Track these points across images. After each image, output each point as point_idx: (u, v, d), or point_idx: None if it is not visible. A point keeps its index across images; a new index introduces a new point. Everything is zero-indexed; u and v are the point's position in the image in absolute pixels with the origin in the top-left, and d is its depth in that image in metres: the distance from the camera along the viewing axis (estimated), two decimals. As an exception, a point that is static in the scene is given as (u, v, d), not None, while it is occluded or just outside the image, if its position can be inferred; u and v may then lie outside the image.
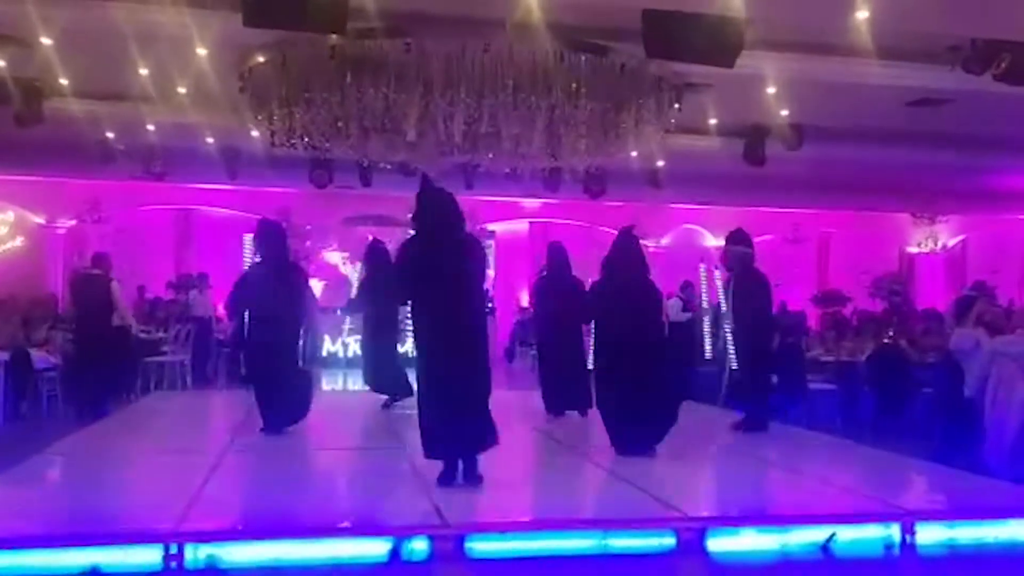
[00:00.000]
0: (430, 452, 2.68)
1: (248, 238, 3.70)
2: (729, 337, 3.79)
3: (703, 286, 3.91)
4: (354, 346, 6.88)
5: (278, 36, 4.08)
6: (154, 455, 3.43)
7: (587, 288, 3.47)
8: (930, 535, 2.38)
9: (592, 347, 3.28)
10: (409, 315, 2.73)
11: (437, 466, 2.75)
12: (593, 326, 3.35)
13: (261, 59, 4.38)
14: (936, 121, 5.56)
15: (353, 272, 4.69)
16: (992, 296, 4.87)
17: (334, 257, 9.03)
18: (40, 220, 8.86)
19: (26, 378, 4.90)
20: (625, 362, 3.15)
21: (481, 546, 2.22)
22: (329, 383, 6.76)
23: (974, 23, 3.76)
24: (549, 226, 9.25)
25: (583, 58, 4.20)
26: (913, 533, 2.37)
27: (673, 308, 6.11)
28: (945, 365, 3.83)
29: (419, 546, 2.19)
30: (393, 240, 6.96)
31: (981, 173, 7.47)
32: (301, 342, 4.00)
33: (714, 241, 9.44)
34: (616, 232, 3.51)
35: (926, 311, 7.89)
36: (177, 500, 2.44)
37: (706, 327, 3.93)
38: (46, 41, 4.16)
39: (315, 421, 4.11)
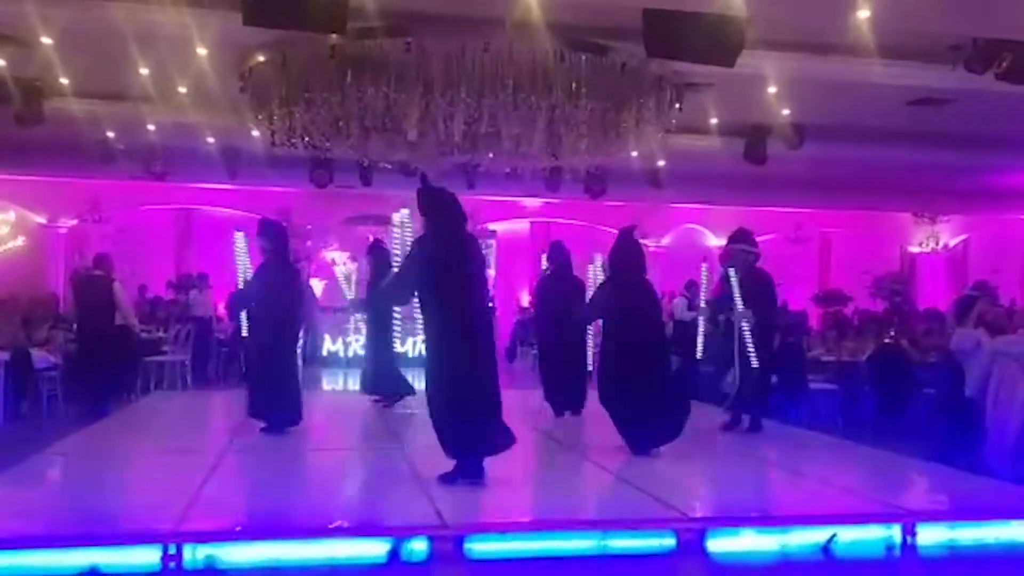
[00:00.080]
0: (459, 451, 2.68)
1: (239, 236, 3.63)
2: (748, 336, 3.76)
3: (703, 285, 3.85)
4: (357, 346, 6.87)
5: (278, 36, 4.07)
6: (154, 455, 3.43)
7: (590, 289, 3.46)
8: (931, 536, 2.38)
9: (600, 348, 3.23)
10: (423, 315, 2.71)
11: (436, 467, 2.75)
12: (601, 326, 3.30)
13: (261, 59, 4.38)
14: (937, 120, 5.54)
15: (346, 271, 4.66)
16: (993, 296, 4.84)
17: (334, 257, 9.04)
18: (41, 220, 8.88)
19: (26, 378, 4.91)
20: (638, 362, 3.19)
21: (480, 547, 2.22)
22: (329, 383, 6.73)
23: (975, 22, 3.75)
24: (550, 226, 9.26)
25: (583, 57, 4.19)
26: (914, 534, 2.36)
27: (679, 307, 6.11)
28: (946, 365, 3.82)
29: (418, 547, 2.19)
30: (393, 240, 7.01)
31: (983, 172, 7.45)
32: (301, 342, 3.99)
33: (715, 241, 9.43)
34: (617, 232, 3.52)
35: (927, 311, 7.88)
36: (176, 500, 2.44)
37: (700, 326, 3.85)
38: (46, 41, 4.16)
39: (315, 421, 4.11)
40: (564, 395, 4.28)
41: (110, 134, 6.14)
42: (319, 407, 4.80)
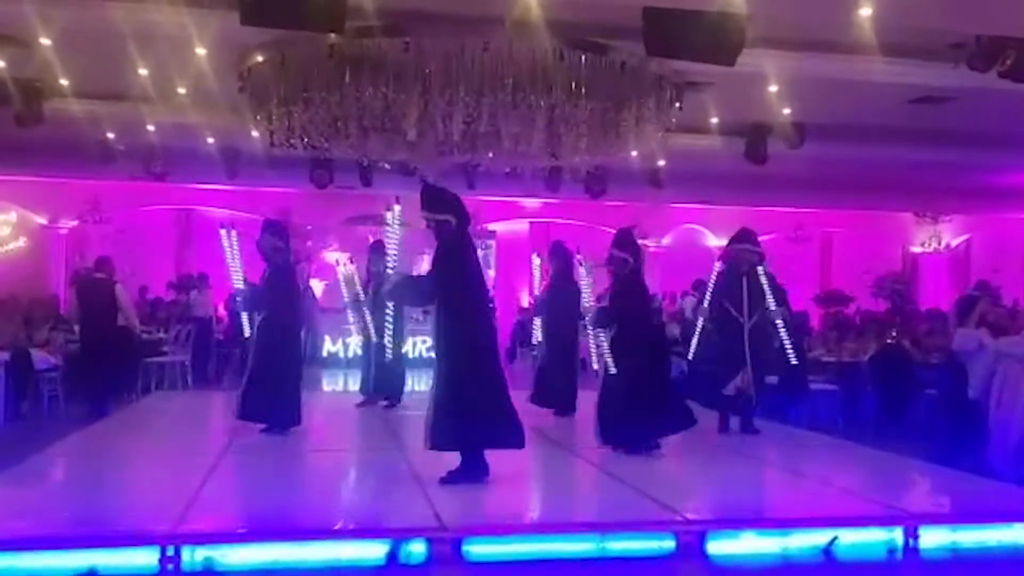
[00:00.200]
0: (472, 443, 2.69)
1: (224, 233, 3.61)
2: (784, 335, 3.75)
3: (711, 285, 3.80)
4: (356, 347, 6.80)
5: (277, 35, 4.06)
6: (153, 456, 3.42)
7: (594, 296, 3.44)
8: (933, 538, 2.36)
9: (611, 350, 3.21)
10: (443, 313, 2.70)
11: (435, 468, 2.74)
12: (613, 330, 3.27)
13: (260, 59, 4.37)
14: (939, 119, 5.52)
15: (346, 272, 4.61)
16: (995, 296, 4.81)
17: (334, 257, 9.04)
18: (42, 220, 8.90)
19: (27, 378, 4.92)
20: (648, 363, 3.24)
21: (479, 549, 2.21)
22: (329, 384, 6.73)
23: (978, 20, 3.73)
24: (550, 226, 9.24)
25: (583, 56, 4.17)
26: (916, 536, 2.35)
27: (688, 306, 6.09)
28: (949, 366, 3.80)
29: (417, 549, 2.18)
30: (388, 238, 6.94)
31: (985, 172, 7.41)
32: (290, 336, 3.98)
33: (715, 241, 9.41)
34: (616, 232, 3.52)
35: (929, 311, 7.86)
36: (175, 501, 2.44)
37: (699, 324, 3.79)
38: (45, 41, 4.16)
39: (314, 422, 4.10)
40: (553, 394, 4.30)
41: (110, 135, 6.15)
42: (319, 408, 4.81)
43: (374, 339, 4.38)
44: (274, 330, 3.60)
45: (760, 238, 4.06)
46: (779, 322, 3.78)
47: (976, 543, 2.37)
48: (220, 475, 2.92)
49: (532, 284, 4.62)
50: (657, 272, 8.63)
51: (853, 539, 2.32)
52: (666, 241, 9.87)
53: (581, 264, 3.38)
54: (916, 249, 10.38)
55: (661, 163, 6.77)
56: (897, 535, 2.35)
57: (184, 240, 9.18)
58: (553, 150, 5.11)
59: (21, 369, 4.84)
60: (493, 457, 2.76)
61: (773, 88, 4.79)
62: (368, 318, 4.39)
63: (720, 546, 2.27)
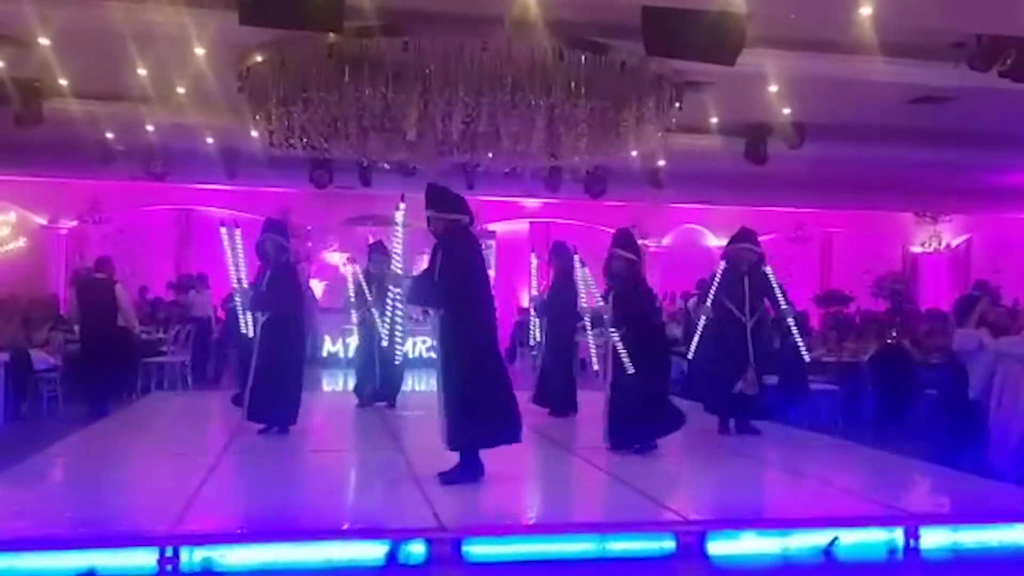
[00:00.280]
0: (475, 442, 2.69)
1: (224, 231, 3.59)
2: (796, 333, 3.77)
3: (715, 283, 3.76)
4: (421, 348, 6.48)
5: (276, 35, 4.06)
6: (153, 456, 3.42)
7: (593, 298, 3.42)
8: (934, 539, 2.36)
9: (625, 351, 3.19)
10: (455, 313, 2.67)
11: (435, 469, 2.73)
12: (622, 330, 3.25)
13: (259, 58, 4.36)
14: (940, 119, 5.51)
15: (353, 272, 4.57)
16: (995, 296, 4.80)
17: (335, 257, 9.04)
18: (42, 221, 8.89)
19: (26, 379, 4.91)
20: (657, 364, 3.27)
21: (478, 549, 2.20)
22: (329, 384, 6.73)
23: (979, 19, 3.72)
24: (549, 226, 9.24)
25: (582, 56, 4.16)
26: (917, 537, 2.34)
27: (692, 306, 6.07)
28: (949, 366, 3.80)
29: (416, 549, 2.17)
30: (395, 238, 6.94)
31: (985, 172, 7.40)
32: (298, 336, 3.96)
33: (715, 241, 9.40)
34: (615, 232, 3.51)
35: (929, 311, 7.85)
36: (174, 502, 2.43)
37: (700, 323, 3.77)
38: (44, 41, 4.15)
39: (314, 422, 4.10)
40: (551, 395, 4.30)
41: (109, 135, 6.14)
42: (319, 408, 4.79)
43: (384, 341, 4.42)
44: (278, 330, 3.58)
45: (760, 238, 4.05)
46: (790, 320, 3.79)
47: (977, 543, 2.36)
48: (219, 475, 2.91)
49: (530, 284, 4.56)
50: (657, 272, 8.63)
51: (853, 539, 2.32)
52: (666, 241, 9.87)
53: (584, 265, 3.36)
54: (916, 249, 10.37)
55: (661, 163, 6.76)
56: (898, 535, 2.34)
57: (184, 240, 9.18)
58: (553, 150, 5.10)
59: (20, 369, 4.83)
60: (493, 456, 2.76)
61: (773, 88, 4.78)
62: (377, 319, 4.39)
63: (720, 546, 2.27)
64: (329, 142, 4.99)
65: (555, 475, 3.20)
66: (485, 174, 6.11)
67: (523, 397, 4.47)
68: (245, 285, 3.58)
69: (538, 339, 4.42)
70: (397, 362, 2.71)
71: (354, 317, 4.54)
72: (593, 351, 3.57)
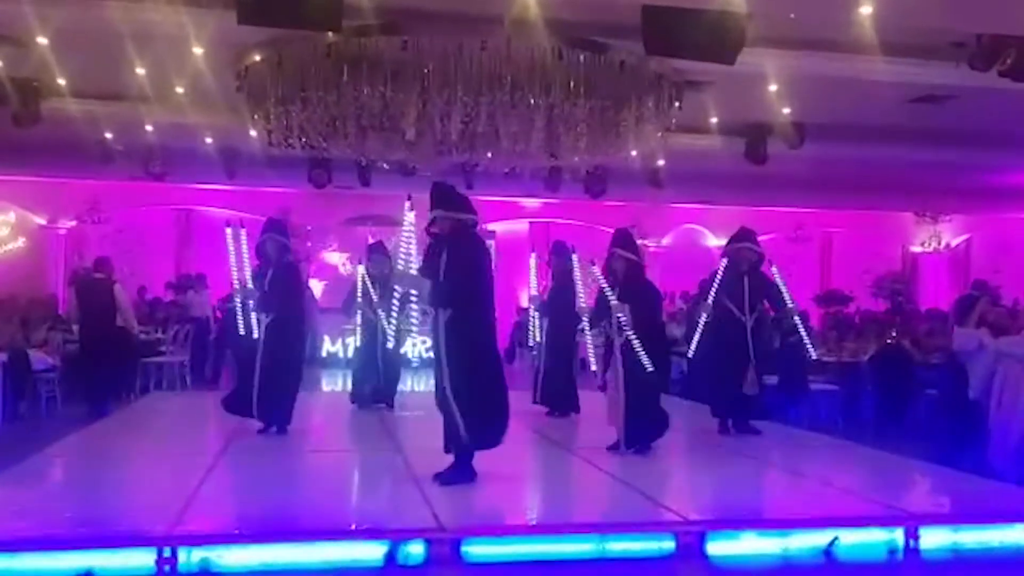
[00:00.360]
0: (476, 444, 2.69)
1: (230, 232, 3.56)
2: (804, 333, 3.81)
3: (716, 282, 3.74)
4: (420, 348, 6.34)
5: (274, 34, 4.05)
6: (151, 456, 3.41)
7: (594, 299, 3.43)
8: (934, 539, 2.35)
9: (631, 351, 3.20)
10: (463, 313, 2.65)
11: (434, 469, 2.73)
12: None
13: (257, 58, 4.35)
14: (940, 118, 5.50)
15: (357, 271, 4.55)
16: (995, 296, 4.80)
17: (334, 257, 9.03)
18: (41, 221, 8.89)
19: (25, 379, 4.91)
20: (655, 362, 3.28)
21: (478, 550, 2.19)
22: (329, 383, 6.72)
23: (979, 18, 3.71)
24: (549, 226, 9.24)
25: (582, 55, 4.15)
26: (917, 537, 2.34)
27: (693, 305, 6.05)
28: (949, 366, 3.80)
29: (415, 550, 2.16)
30: (392, 240, 7.00)
31: (985, 171, 7.40)
32: (302, 337, 3.95)
33: (715, 241, 9.40)
34: (615, 232, 3.50)
35: (929, 311, 7.84)
36: (172, 502, 2.43)
37: (701, 321, 3.74)
38: (42, 41, 4.14)
39: (313, 422, 4.09)
40: (563, 397, 4.30)
41: (108, 135, 6.13)
42: (318, 408, 4.78)
43: (391, 342, 4.35)
44: (282, 331, 3.58)
45: (760, 238, 4.04)
46: (796, 319, 3.79)
47: (977, 544, 2.36)
48: (218, 476, 2.91)
49: (530, 284, 4.54)
50: (657, 272, 8.61)
51: (853, 540, 2.31)
52: (666, 241, 9.87)
53: (594, 264, 3.34)
54: (916, 249, 10.37)
55: (661, 163, 6.75)
56: (898, 536, 2.33)
57: (184, 240, 9.17)
58: (552, 150, 5.09)
59: (19, 370, 4.83)
60: (493, 457, 2.75)
61: (773, 87, 4.77)
62: (384, 320, 4.36)
63: (720, 547, 2.26)
64: (328, 141, 4.98)
65: (555, 475, 3.19)
66: (484, 174, 6.10)
67: (523, 397, 4.53)
68: (250, 285, 3.55)
69: (538, 339, 4.40)
70: (415, 365, 2.63)
71: (358, 318, 4.50)
72: (591, 351, 3.56)
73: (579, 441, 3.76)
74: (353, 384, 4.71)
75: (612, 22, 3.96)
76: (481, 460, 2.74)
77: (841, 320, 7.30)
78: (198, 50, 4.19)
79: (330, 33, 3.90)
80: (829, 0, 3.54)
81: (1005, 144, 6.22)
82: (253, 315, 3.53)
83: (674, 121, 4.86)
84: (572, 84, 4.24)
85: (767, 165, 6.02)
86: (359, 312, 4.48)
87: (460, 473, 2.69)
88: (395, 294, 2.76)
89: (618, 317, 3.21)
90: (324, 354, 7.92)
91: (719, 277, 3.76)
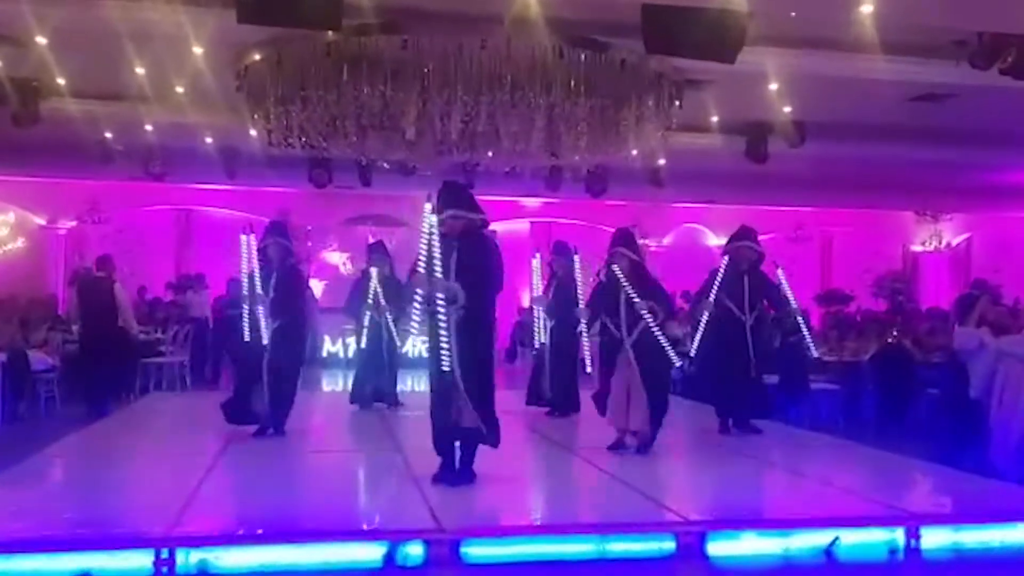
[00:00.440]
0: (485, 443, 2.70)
1: (244, 239, 3.57)
2: (806, 333, 3.80)
3: (718, 280, 3.72)
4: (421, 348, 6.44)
5: (274, 34, 4.04)
6: (151, 457, 3.41)
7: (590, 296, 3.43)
8: (935, 539, 2.34)
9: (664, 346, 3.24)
10: (477, 312, 2.64)
11: (433, 469, 2.72)
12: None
13: (257, 57, 4.34)
14: (940, 117, 5.49)
15: (348, 269, 4.56)
16: (995, 295, 4.79)
17: (334, 257, 9.02)
18: (41, 221, 8.89)
19: (24, 379, 4.90)
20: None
21: (477, 551, 2.19)
22: (329, 383, 6.72)
23: (980, 17, 3.70)
24: (550, 226, 9.23)
25: (582, 54, 4.14)
26: (918, 537, 2.33)
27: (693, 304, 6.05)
28: (950, 365, 3.78)
29: (414, 551, 2.16)
30: (392, 240, 7.00)
31: (986, 170, 7.38)
32: (305, 341, 3.96)
33: (716, 240, 9.39)
34: (616, 231, 3.49)
35: (930, 310, 7.85)
36: (171, 503, 2.42)
37: (703, 320, 3.72)
38: (41, 40, 4.14)
39: (313, 423, 4.09)
40: (565, 397, 4.30)
41: (108, 134, 6.13)
42: (317, 408, 4.77)
43: (398, 344, 4.36)
44: (287, 335, 3.60)
45: (761, 237, 4.03)
46: (799, 319, 3.80)
47: (978, 543, 2.35)
48: (216, 476, 2.90)
49: (535, 285, 4.50)
50: (658, 272, 8.59)
51: (854, 539, 2.31)
52: (667, 241, 9.86)
53: (608, 265, 3.32)
54: (917, 248, 10.36)
55: (661, 162, 6.74)
56: (899, 535, 2.33)
57: (184, 240, 9.17)
58: (552, 149, 5.08)
59: (18, 370, 4.82)
60: (492, 457, 2.74)
61: (774, 86, 4.76)
62: (390, 321, 4.34)
63: (720, 547, 2.25)
64: (328, 141, 4.97)
65: (554, 475, 3.18)
66: (485, 173, 6.09)
67: (522, 396, 4.51)
68: (259, 291, 3.52)
69: (543, 340, 4.36)
70: (446, 368, 2.53)
71: (366, 320, 4.49)
72: (587, 351, 3.54)
73: (579, 441, 3.75)
74: (355, 384, 4.70)
75: (612, 21, 3.95)
76: (481, 460, 2.73)
77: (842, 319, 7.29)
78: (198, 49, 4.19)
79: (330, 32, 3.89)
80: (830, -2, 3.54)
81: (1006, 143, 6.21)
82: (262, 322, 3.52)
83: (674, 120, 4.85)
84: (572, 83, 4.24)
85: (768, 164, 6.01)
86: (367, 314, 4.48)
87: (468, 474, 2.68)
88: (417, 297, 2.64)
89: (643, 315, 3.19)
90: (324, 354, 7.90)
91: (720, 275, 3.74)
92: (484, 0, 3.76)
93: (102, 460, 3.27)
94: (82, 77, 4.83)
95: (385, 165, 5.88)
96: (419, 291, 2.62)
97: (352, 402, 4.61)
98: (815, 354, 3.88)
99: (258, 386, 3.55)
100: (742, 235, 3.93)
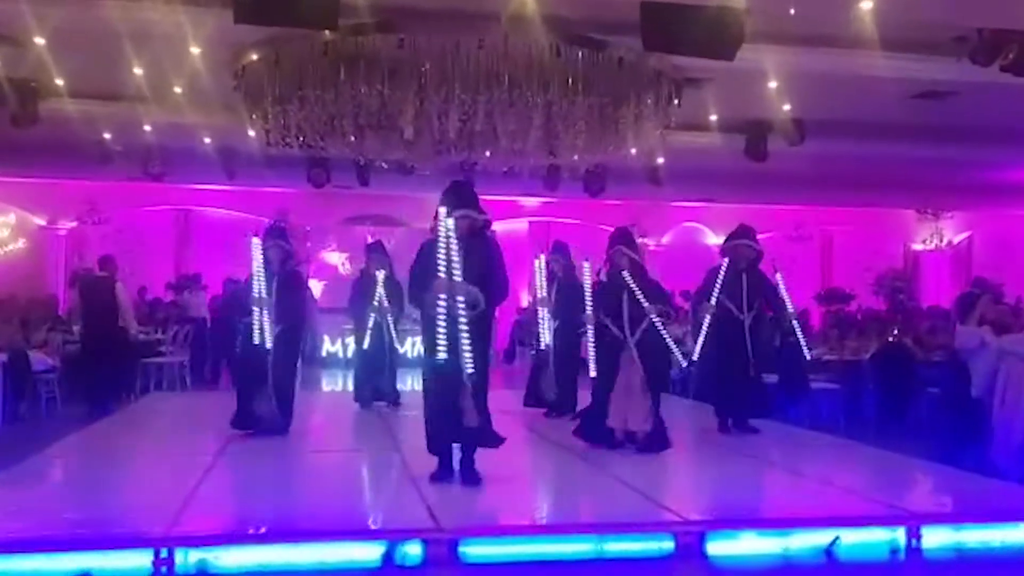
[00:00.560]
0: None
1: (254, 240, 3.56)
2: (800, 334, 3.80)
3: (719, 282, 3.71)
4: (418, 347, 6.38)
5: (271, 33, 4.04)
6: (150, 457, 3.41)
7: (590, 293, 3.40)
8: (936, 538, 2.33)
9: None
10: (482, 313, 2.64)
11: (432, 468, 2.72)
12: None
13: (254, 57, 4.34)
14: (941, 114, 5.47)
15: (347, 269, 4.58)
16: (997, 293, 4.77)
17: (333, 257, 9.02)
18: (41, 222, 8.90)
19: (24, 379, 4.91)
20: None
21: (475, 550, 2.18)
22: (328, 383, 6.72)
23: (981, 13, 3.69)
24: (549, 225, 9.21)
25: (580, 52, 4.13)
26: (919, 536, 2.32)
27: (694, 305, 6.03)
28: (951, 364, 3.77)
29: (412, 550, 2.15)
30: (391, 240, 7.01)
31: (987, 168, 7.35)
32: (303, 344, 3.97)
33: (715, 240, 9.38)
34: (615, 231, 3.48)
35: (931, 308, 7.83)
36: (170, 503, 2.42)
37: (705, 323, 3.71)
38: (39, 40, 4.14)
39: (312, 422, 4.08)
40: (565, 397, 4.29)
41: (107, 135, 6.13)
42: (317, 408, 4.76)
43: (398, 344, 4.36)
44: (288, 340, 3.61)
45: (761, 236, 4.02)
46: (795, 322, 3.81)
47: (979, 543, 2.34)
48: (216, 476, 2.90)
49: (537, 284, 4.45)
50: (657, 271, 8.58)
51: (855, 539, 2.29)
52: (666, 240, 9.84)
53: (622, 265, 3.29)
54: (918, 246, 10.32)
55: (660, 161, 6.72)
56: (899, 535, 2.32)
57: (183, 240, 9.17)
58: (551, 148, 5.08)
59: (19, 370, 4.82)
60: (490, 457, 2.74)
61: (773, 84, 4.74)
62: (391, 322, 4.35)
63: (720, 547, 2.24)
64: (325, 141, 4.97)
65: (552, 475, 3.18)
66: (483, 173, 6.09)
67: (521, 396, 4.49)
68: (264, 295, 3.52)
69: (548, 341, 4.33)
70: (470, 370, 2.49)
71: (370, 321, 4.49)
72: (593, 352, 3.53)
73: (579, 440, 3.71)
74: (357, 384, 4.71)
75: (610, 18, 3.93)
76: (479, 460, 2.72)
77: (842, 318, 7.28)
78: (195, 49, 4.19)
79: (327, 32, 3.88)
80: (829, -5, 3.53)
81: (1007, 140, 6.17)
82: (267, 325, 3.50)
83: (673, 118, 4.83)
84: (570, 81, 4.22)
85: (767, 162, 5.99)
86: (372, 316, 4.49)
87: (473, 472, 2.67)
88: (440, 302, 2.59)
89: (651, 318, 3.19)
90: (324, 354, 7.90)
91: (721, 276, 3.72)
92: (481, -2, 3.77)
93: (102, 460, 3.27)
94: (80, 77, 4.83)
95: (383, 165, 5.88)
96: (441, 296, 2.58)
97: (356, 400, 4.63)
98: (808, 357, 3.87)
99: (262, 390, 3.56)
100: (740, 233, 3.92)
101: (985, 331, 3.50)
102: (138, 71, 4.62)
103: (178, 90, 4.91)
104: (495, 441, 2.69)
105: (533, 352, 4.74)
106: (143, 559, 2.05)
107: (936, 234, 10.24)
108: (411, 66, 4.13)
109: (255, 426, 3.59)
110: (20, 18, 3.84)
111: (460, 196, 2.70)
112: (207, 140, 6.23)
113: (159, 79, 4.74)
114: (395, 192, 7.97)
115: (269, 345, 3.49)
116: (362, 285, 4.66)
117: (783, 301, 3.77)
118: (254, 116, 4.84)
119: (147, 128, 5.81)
